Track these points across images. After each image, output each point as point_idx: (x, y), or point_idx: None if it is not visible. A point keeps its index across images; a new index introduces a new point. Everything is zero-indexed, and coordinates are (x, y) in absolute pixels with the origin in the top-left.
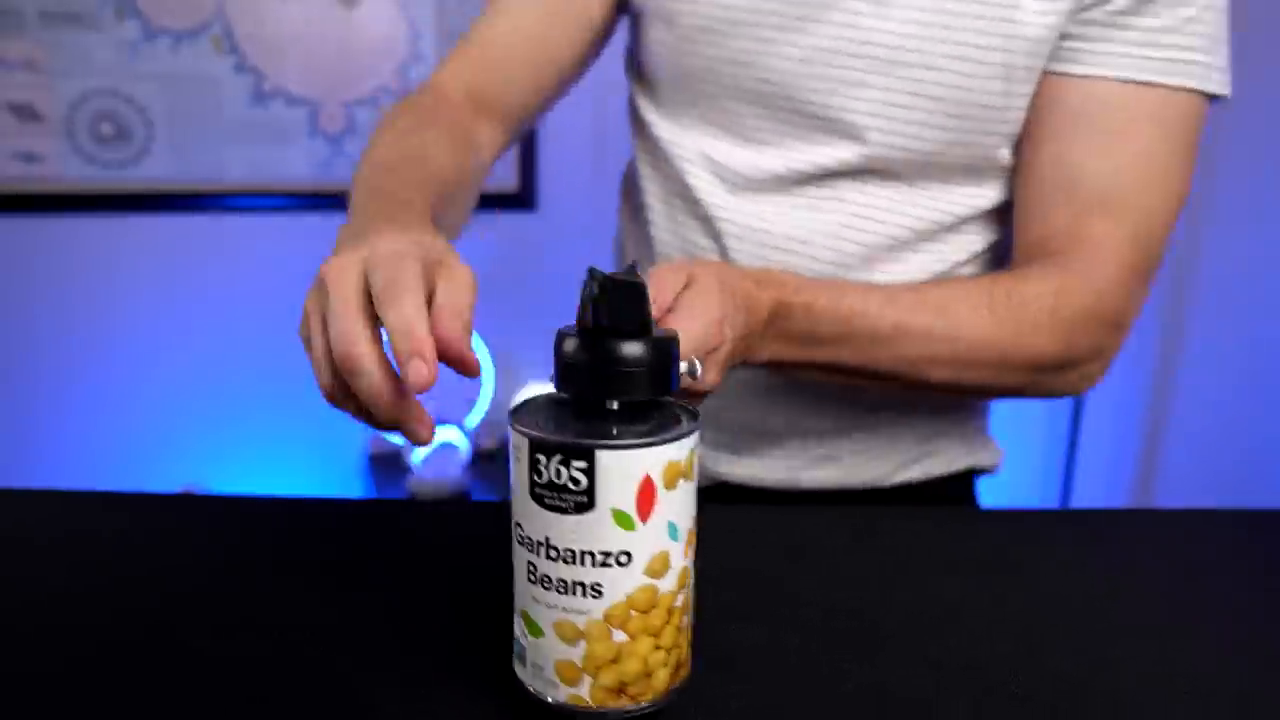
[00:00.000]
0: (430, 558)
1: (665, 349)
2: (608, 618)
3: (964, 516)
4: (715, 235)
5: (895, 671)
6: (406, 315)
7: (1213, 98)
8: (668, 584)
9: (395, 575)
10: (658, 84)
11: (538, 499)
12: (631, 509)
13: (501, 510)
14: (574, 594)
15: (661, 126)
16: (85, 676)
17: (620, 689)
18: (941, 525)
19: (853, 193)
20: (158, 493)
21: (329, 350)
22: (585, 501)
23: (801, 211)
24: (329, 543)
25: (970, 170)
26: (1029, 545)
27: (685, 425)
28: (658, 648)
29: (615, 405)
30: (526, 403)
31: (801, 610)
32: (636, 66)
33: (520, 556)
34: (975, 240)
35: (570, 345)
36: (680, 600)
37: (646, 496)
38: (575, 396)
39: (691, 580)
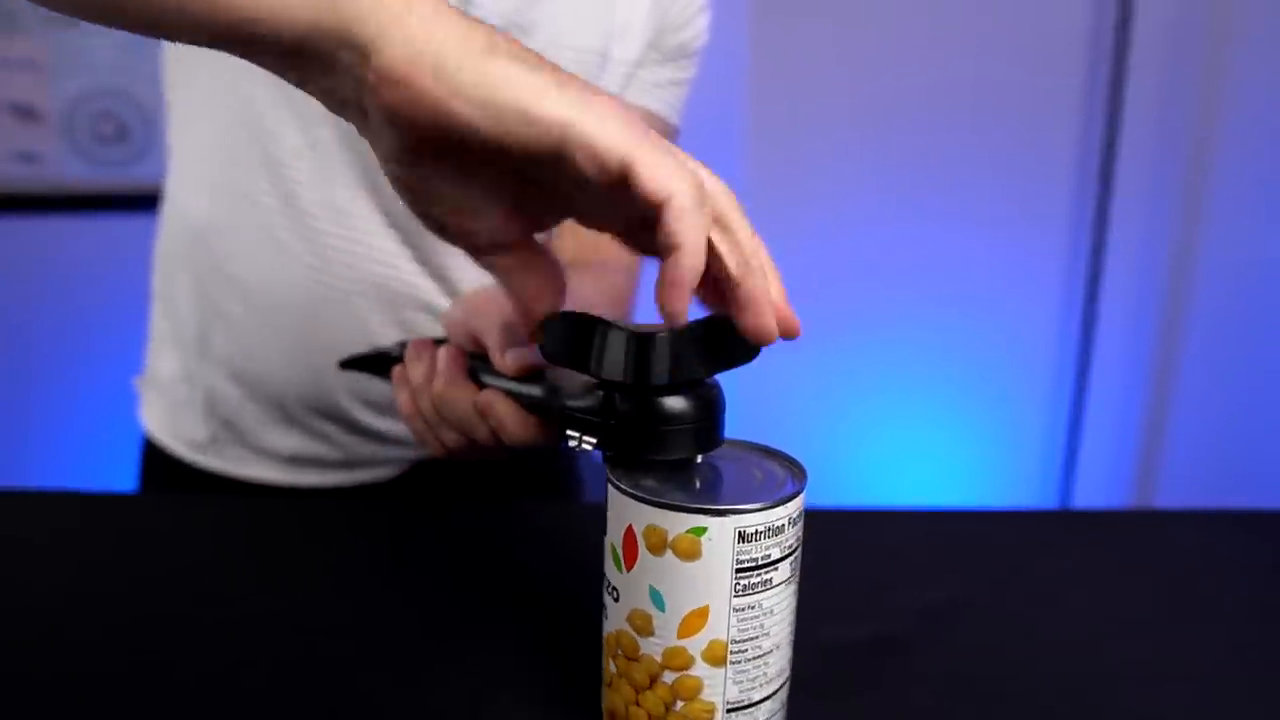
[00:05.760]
0: (432, 557)
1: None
2: (605, 641)
3: (965, 517)
4: None
5: (894, 672)
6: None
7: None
8: (651, 648)
9: (396, 574)
10: None
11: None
12: (620, 550)
13: (498, 511)
14: (603, 610)
15: None
16: (85, 677)
17: (610, 718)
18: (942, 525)
19: None
20: (157, 492)
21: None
22: (605, 528)
23: None
24: (333, 540)
25: None
26: (1029, 545)
27: (695, 500)
28: (638, 704)
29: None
30: None
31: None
32: None
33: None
34: None
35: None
36: (670, 679)
37: (630, 545)
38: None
39: (709, 680)
